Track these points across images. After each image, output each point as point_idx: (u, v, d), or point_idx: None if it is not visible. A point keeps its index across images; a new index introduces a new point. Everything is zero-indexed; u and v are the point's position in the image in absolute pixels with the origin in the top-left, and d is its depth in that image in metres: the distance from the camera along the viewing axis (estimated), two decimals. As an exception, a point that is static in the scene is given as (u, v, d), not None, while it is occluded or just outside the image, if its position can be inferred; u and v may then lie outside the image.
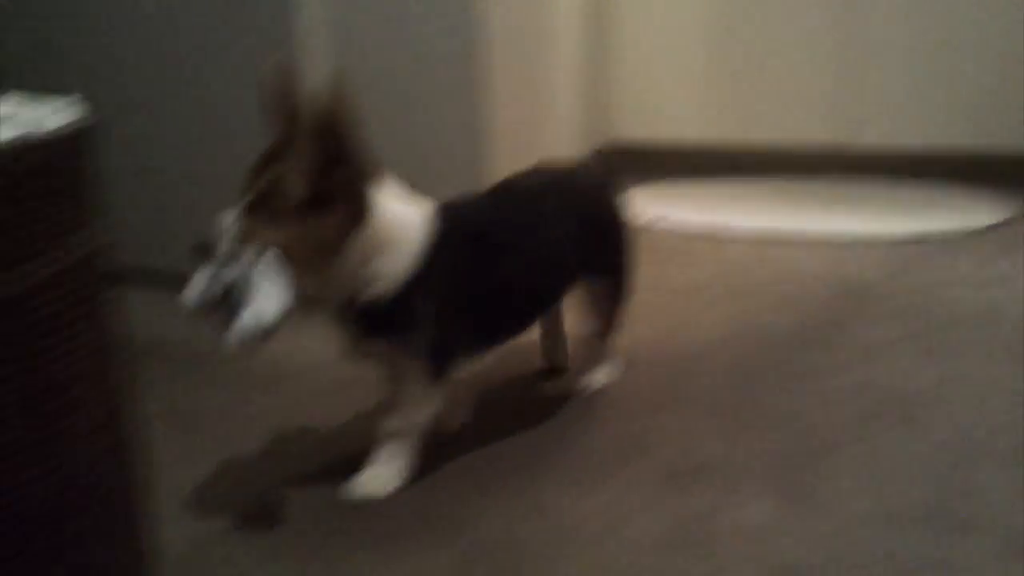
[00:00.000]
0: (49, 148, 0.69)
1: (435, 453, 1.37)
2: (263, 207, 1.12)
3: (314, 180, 1.12)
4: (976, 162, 3.35)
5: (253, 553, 1.16)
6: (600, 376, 1.64)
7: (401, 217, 1.23)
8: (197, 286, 1.10)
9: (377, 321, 1.22)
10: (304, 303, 1.16)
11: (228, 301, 1.08)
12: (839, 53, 3.37)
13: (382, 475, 1.29)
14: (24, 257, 0.67)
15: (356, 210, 1.17)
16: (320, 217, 1.14)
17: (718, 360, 1.76)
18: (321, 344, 1.84)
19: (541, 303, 1.49)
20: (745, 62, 3.49)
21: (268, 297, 1.08)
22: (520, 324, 1.44)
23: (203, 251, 1.11)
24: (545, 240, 1.41)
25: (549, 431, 1.48)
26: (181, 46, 2.08)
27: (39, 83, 0.98)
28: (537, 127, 2.67)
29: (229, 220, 1.11)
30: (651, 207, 3.01)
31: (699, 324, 1.96)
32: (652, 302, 2.11)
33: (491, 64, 2.21)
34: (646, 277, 2.29)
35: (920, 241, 2.60)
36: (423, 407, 1.31)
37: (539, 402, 1.59)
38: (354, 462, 1.35)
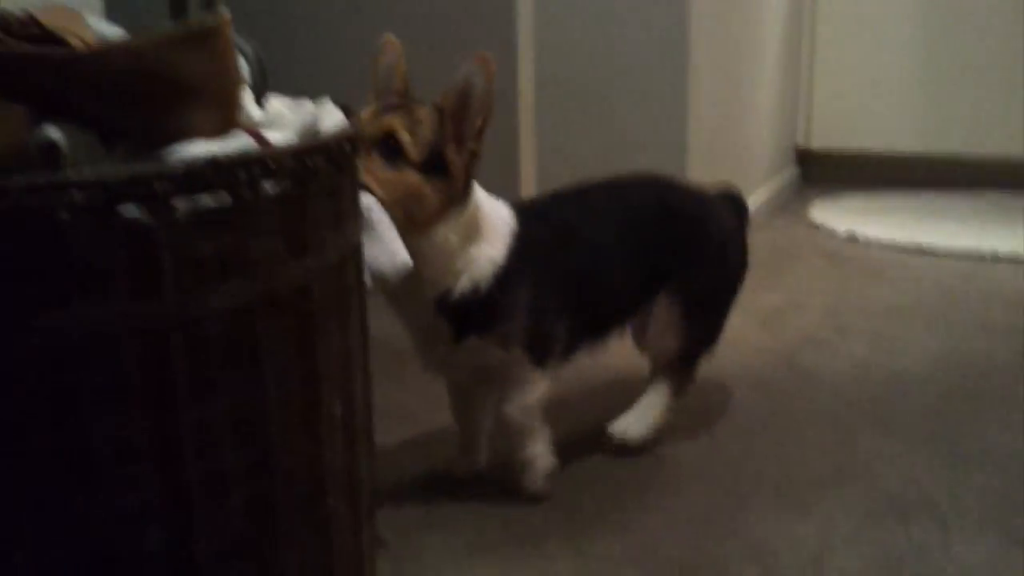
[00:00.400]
0: (331, 149, 0.75)
1: (624, 461, 1.38)
2: (382, 148, 1.12)
3: (436, 147, 1.15)
4: None
5: (452, 546, 1.20)
6: (637, 424, 1.44)
7: (493, 209, 1.25)
8: None
9: (472, 314, 1.21)
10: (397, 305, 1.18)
11: None
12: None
13: (532, 465, 1.30)
14: (303, 251, 0.73)
15: (460, 188, 1.18)
16: (429, 181, 1.15)
17: (930, 386, 1.67)
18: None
19: (626, 303, 1.42)
20: (954, 72, 3.30)
21: (385, 248, 1.06)
22: (606, 326, 1.40)
23: None
24: (631, 240, 1.39)
25: (752, 448, 1.46)
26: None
27: (287, 83, 1.05)
28: (735, 134, 2.62)
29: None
30: (849, 220, 2.90)
31: (906, 347, 1.87)
32: (856, 324, 2.03)
33: (694, 69, 2.20)
34: (846, 295, 2.22)
35: None
36: (529, 392, 1.29)
37: (743, 416, 1.57)
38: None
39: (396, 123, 1.13)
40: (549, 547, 1.19)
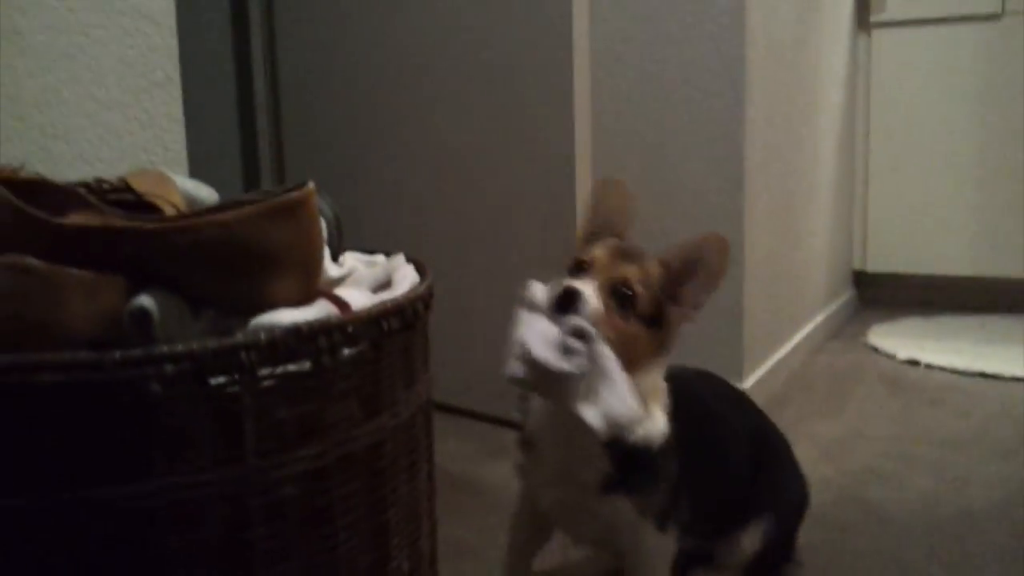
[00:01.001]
0: (405, 309, 0.78)
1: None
2: (616, 293, 1.14)
3: (659, 302, 1.18)
4: None
5: None
6: None
7: (660, 372, 1.25)
8: (538, 340, 1.07)
9: (631, 470, 1.19)
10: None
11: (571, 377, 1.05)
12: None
13: None
14: (377, 410, 0.76)
15: (665, 342, 1.20)
16: (649, 332, 1.17)
17: (1000, 526, 1.62)
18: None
19: (732, 514, 1.38)
20: (1007, 196, 3.30)
21: (618, 394, 1.07)
22: (713, 529, 1.37)
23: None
24: (739, 454, 1.38)
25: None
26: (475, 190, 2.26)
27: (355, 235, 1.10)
28: (791, 259, 2.64)
29: (588, 293, 1.11)
30: (908, 345, 2.87)
31: (976, 482, 1.83)
32: (921, 454, 1.99)
33: (750, 197, 2.24)
34: (911, 425, 2.18)
35: None
36: (654, 565, 1.25)
37: (807, 554, 1.53)
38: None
39: (633, 274, 1.15)
40: None
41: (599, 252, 1.17)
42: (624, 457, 1.16)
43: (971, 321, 3.20)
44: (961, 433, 2.12)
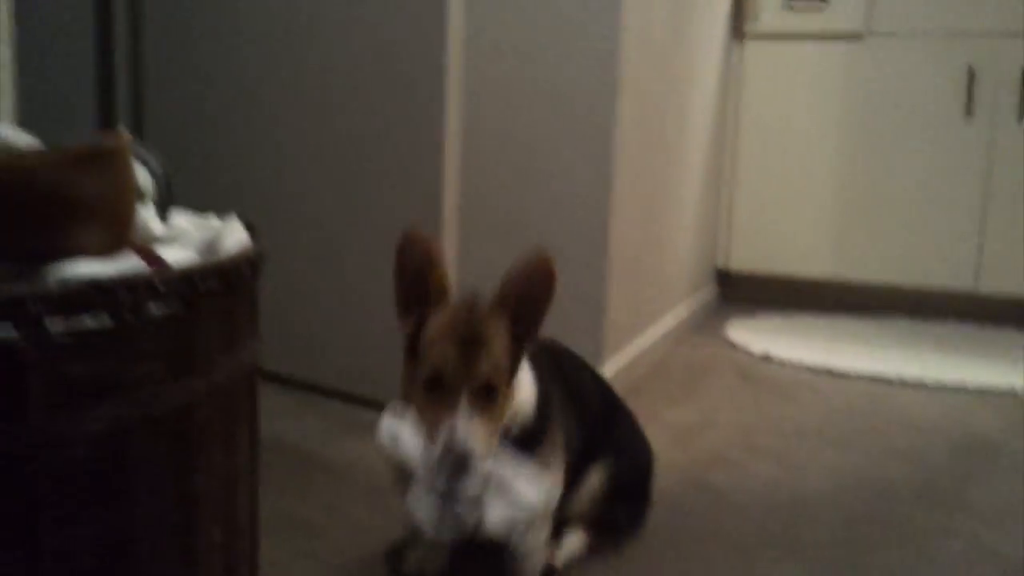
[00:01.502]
0: (228, 271, 0.75)
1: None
2: (481, 394, 1.16)
3: (516, 351, 1.20)
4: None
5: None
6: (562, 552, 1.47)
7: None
8: (431, 512, 1.12)
9: (520, 445, 1.26)
10: None
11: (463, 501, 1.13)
12: (965, 200, 3.32)
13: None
14: (188, 372, 0.73)
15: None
16: (511, 387, 1.21)
17: (831, 512, 1.70)
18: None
19: (582, 463, 1.48)
20: (867, 205, 3.47)
21: (527, 484, 1.15)
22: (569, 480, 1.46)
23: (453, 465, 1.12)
24: (588, 407, 1.48)
25: (657, 568, 1.45)
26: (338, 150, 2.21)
27: (195, 200, 1.07)
28: (656, 254, 2.70)
29: (462, 423, 1.13)
30: (764, 340, 2.98)
31: (813, 470, 1.91)
32: (765, 443, 2.07)
33: (616, 192, 2.27)
34: (759, 416, 2.26)
35: (1050, 398, 2.48)
36: (553, 484, 1.33)
37: (650, 534, 1.56)
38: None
39: (490, 371, 1.16)
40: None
41: (449, 357, 1.16)
42: (516, 440, 1.24)
43: (824, 320, 3.35)
44: (804, 424, 2.21)
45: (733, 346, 2.97)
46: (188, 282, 0.70)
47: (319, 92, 2.19)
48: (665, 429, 2.10)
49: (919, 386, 2.56)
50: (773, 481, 1.84)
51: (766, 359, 2.81)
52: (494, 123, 2.34)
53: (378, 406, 2.16)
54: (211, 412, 0.76)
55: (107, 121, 2.10)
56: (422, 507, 1.12)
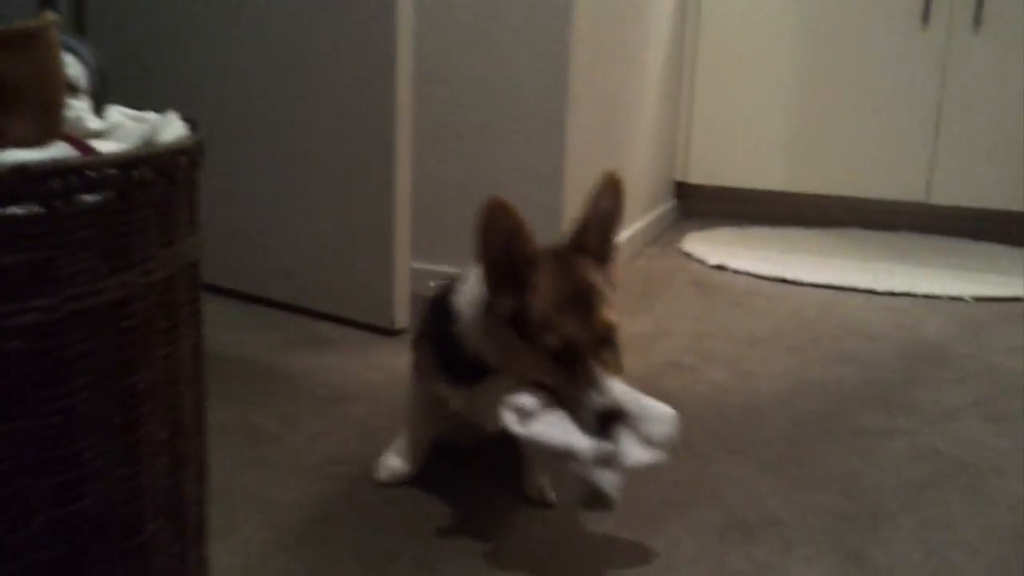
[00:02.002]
0: (164, 160, 0.73)
1: (480, 485, 1.38)
2: (608, 350, 1.14)
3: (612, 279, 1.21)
4: (1058, 227, 3.27)
5: (294, 571, 1.18)
6: None
7: None
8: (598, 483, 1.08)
9: None
10: None
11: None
12: (919, 111, 3.33)
13: None
14: (125, 265, 0.71)
15: None
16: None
17: (781, 414, 1.74)
18: (382, 373, 1.87)
19: None
20: (820, 119, 3.47)
21: (659, 421, 1.15)
22: None
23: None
24: None
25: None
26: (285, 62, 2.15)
27: (127, 96, 1.03)
28: (612, 166, 2.68)
29: (606, 384, 1.10)
30: (719, 252, 3.00)
31: (764, 374, 1.94)
32: (719, 350, 2.10)
33: (573, 100, 2.24)
34: (713, 324, 2.29)
35: (996, 304, 2.54)
36: None
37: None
38: (405, 484, 1.38)
39: (608, 321, 1.13)
40: (397, 569, 1.18)
41: (572, 327, 1.11)
42: None
43: (779, 232, 3.38)
44: (757, 332, 2.24)
45: (689, 257, 2.99)
46: (121, 170, 0.68)
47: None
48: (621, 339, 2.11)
49: (870, 294, 2.61)
50: (725, 386, 1.87)
51: (721, 269, 2.83)
52: (446, 28, 2.29)
53: (330, 318, 2.16)
54: (151, 308, 0.74)
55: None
56: (587, 481, 1.08)
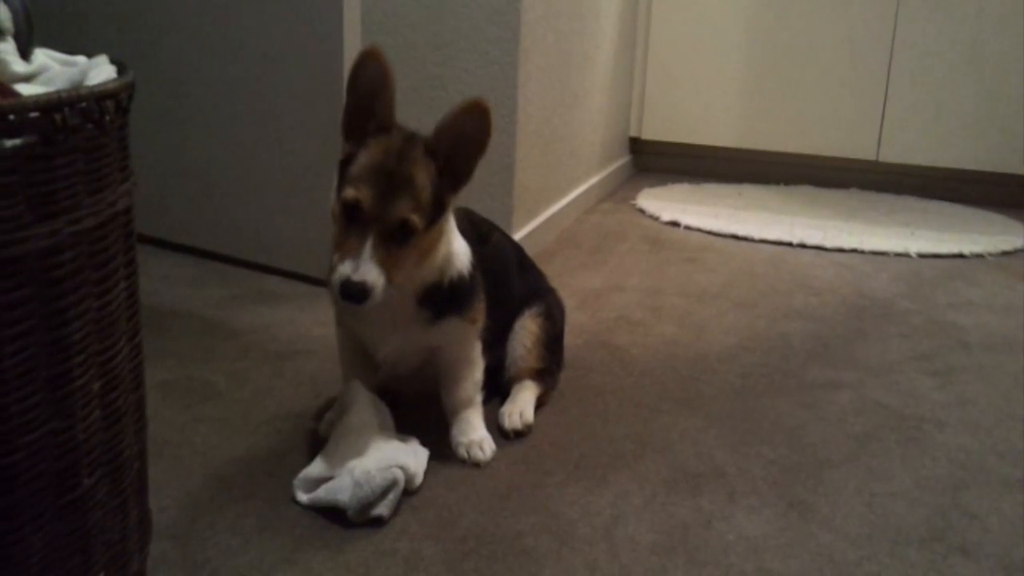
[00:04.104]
0: (89, 104, 0.70)
1: (429, 438, 1.38)
2: (396, 234, 1.18)
3: (436, 198, 1.21)
4: (1003, 186, 3.33)
5: (242, 525, 1.17)
6: (528, 409, 1.49)
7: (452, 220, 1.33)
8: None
9: (451, 299, 1.32)
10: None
11: None
12: (868, 70, 3.35)
13: (486, 439, 1.39)
14: (51, 213, 0.68)
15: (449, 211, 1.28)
16: (434, 230, 1.23)
17: (729, 367, 1.76)
18: (332, 328, 1.85)
19: (514, 315, 1.55)
20: (773, 76, 3.47)
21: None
22: (499, 337, 1.51)
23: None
24: (508, 266, 1.55)
25: (559, 424, 1.49)
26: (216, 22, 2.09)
27: (65, 42, 0.99)
28: (567, 122, 2.66)
29: (365, 258, 1.16)
30: (673, 208, 3.01)
31: (714, 329, 1.96)
32: (670, 305, 2.11)
33: (525, 52, 2.21)
34: (665, 279, 2.30)
35: (942, 261, 2.58)
36: (478, 370, 1.41)
37: (554, 393, 1.59)
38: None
39: (406, 211, 1.17)
40: (345, 522, 1.18)
41: (365, 193, 1.17)
42: (443, 295, 1.31)
43: (731, 189, 3.40)
44: (708, 287, 2.26)
45: (643, 213, 2.99)
46: (44, 114, 0.65)
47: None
48: (573, 294, 2.12)
49: (819, 250, 2.64)
50: (675, 340, 1.89)
51: (674, 225, 2.84)
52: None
53: (281, 273, 2.13)
54: (81, 257, 0.72)
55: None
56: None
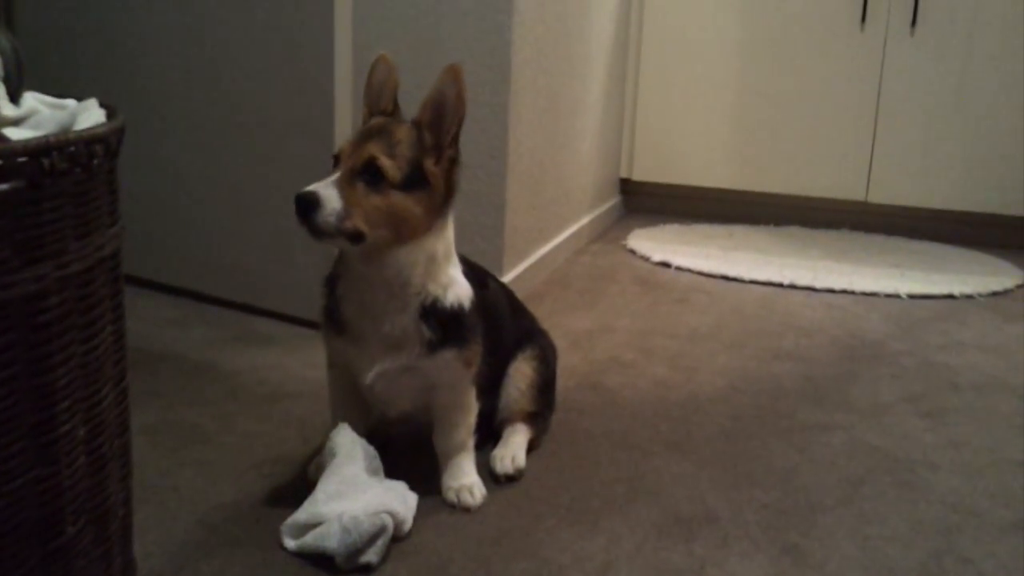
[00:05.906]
0: (78, 148, 0.70)
1: (419, 485, 1.36)
2: (365, 175, 1.20)
3: (416, 162, 1.23)
4: (992, 227, 3.35)
5: (229, 572, 1.15)
6: (520, 453, 1.47)
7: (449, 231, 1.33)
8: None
9: (451, 328, 1.29)
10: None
11: None
12: (857, 112, 3.38)
13: (476, 484, 1.37)
14: (38, 258, 0.68)
15: (442, 196, 1.27)
16: (412, 195, 1.23)
17: (720, 409, 1.75)
18: (322, 371, 1.84)
19: (508, 359, 1.53)
20: (764, 117, 3.50)
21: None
22: (495, 379, 1.50)
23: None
24: (501, 310, 1.52)
25: (550, 468, 1.48)
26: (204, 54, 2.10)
27: (55, 85, 1.00)
28: (559, 164, 2.68)
29: (326, 193, 1.18)
30: (663, 249, 3.02)
31: (704, 371, 1.96)
32: (661, 346, 2.10)
33: (515, 94, 2.23)
34: (655, 320, 2.30)
35: (932, 302, 2.59)
36: (472, 416, 1.39)
37: (545, 436, 1.58)
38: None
39: (375, 149, 1.21)
40: (334, 569, 1.16)
41: (345, 142, 1.25)
42: (445, 319, 1.28)
43: (722, 230, 3.41)
44: (698, 328, 2.26)
45: (633, 254, 3.00)
46: (32, 158, 0.65)
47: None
48: (564, 335, 2.11)
49: (810, 291, 2.64)
50: (666, 382, 1.88)
51: (665, 266, 2.85)
52: (385, 21, 2.26)
53: (269, 315, 2.12)
54: (67, 302, 0.71)
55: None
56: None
